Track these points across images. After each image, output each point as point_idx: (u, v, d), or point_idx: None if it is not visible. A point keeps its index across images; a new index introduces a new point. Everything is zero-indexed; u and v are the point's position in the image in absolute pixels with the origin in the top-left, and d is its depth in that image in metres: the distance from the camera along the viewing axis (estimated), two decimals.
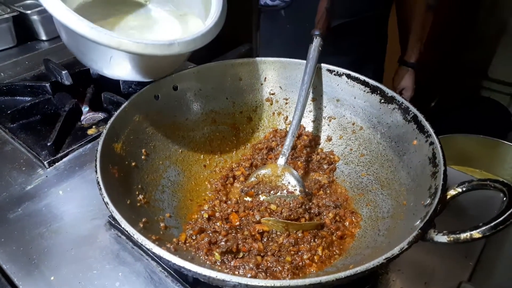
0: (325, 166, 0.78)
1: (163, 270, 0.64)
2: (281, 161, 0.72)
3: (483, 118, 2.03)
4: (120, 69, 0.72)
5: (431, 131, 0.61)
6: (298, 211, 0.64)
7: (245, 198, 0.70)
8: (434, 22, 1.84)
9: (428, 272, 0.63)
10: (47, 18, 1.31)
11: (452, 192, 0.52)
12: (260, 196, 0.69)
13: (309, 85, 0.75)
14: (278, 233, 0.62)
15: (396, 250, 0.44)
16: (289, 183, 0.70)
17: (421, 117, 0.64)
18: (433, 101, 2.23)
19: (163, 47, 0.62)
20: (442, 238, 0.46)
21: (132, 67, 0.71)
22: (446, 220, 0.53)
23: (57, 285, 0.61)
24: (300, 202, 0.66)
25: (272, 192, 0.69)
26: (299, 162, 0.79)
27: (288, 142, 0.72)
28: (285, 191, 0.69)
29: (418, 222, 0.49)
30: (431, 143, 0.60)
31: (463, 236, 0.45)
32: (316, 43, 0.78)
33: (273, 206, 0.65)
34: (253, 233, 0.61)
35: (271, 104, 0.86)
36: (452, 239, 0.46)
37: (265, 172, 0.72)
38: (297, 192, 0.69)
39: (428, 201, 0.53)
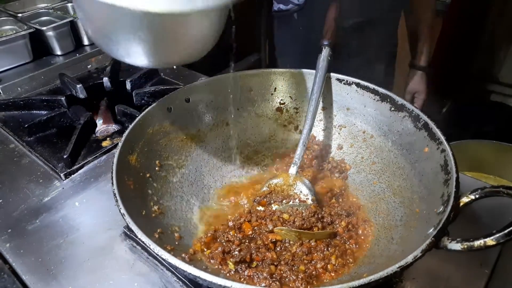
0: (337, 175, 0.78)
1: (178, 280, 0.64)
2: (293, 170, 0.72)
3: (495, 123, 2.00)
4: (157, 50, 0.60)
5: (442, 138, 0.61)
6: (310, 220, 0.65)
7: (257, 208, 0.70)
8: (445, 27, 1.84)
9: (443, 280, 0.62)
10: (62, 34, 1.35)
11: (465, 200, 0.52)
12: (272, 205, 0.70)
13: (318, 94, 0.76)
14: (291, 242, 0.62)
15: (409, 258, 0.45)
16: (301, 192, 0.70)
17: (432, 124, 0.64)
18: (444, 107, 2.22)
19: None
20: (455, 246, 0.46)
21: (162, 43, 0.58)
22: (460, 228, 0.53)
23: None
24: (313, 211, 0.66)
25: (284, 201, 0.70)
26: (310, 171, 0.79)
27: (299, 151, 0.73)
28: (297, 200, 0.70)
29: (431, 230, 0.49)
30: (443, 150, 0.60)
31: (477, 243, 0.45)
32: (325, 53, 0.79)
33: (285, 216, 0.66)
34: (266, 243, 0.61)
35: (282, 113, 0.87)
36: (466, 246, 0.45)
37: (277, 182, 0.72)
38: (309, 201, 0.69)
39: (441, 209, 0.53)
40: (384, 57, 1.31)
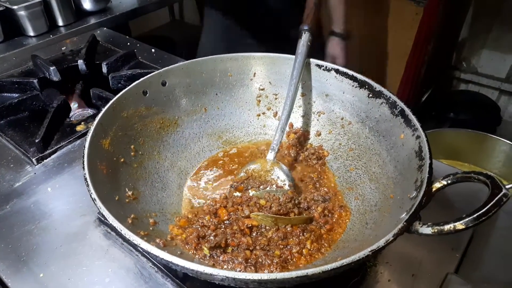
0: (315, 161, 0.78)
1: (153, 266, 0.64)
2: (270, 156, 0.72)
3: (472, 112, 2.05)
4: None
5: (417, 125, 0.62)
6: (287, 205, 0.65)
7: (234, 194, 0.70)
8: (424, 18, 1.85)
9: (415, 264, 0.64)
10: (34, 14, 1.30)
11: (437, 185, 0.53)
12: (249, 191, 0.69)
13: (298, 80, 0.75)
14: (267, 227, 0.62)
15: (381, 242, 0.45)
16: (278, 177, 0.70)
17: (408, 111, 0.65)
18: (423, 96, 2.25)
19: None
20: (426, 230, 0.47)
21: None
22: (433, 213, 0.54)
23: (46, 282, 0.61)
24: (289, 197, 0.66)
25: (261, 187, 0.70)
26: (288, 157, 0.79)
27: (278, 137, 0.72)
28: (274, 186, 0.69)
29: (404, 215, 0.50)
30: (418, 137, 0.60)
31: (446, 227, 0.46)
32: (305, 38, 0.78)
33: (262, 201, 0.66)
34: (242, 228, 0.61)
35: (261, 99, 0.86)
36: (436, 230, 0.46)
37: (255, 167, 0.72)
38: (286, 187, 0.69)
39: (414, 194, 0.53)
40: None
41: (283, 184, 0.70)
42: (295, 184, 0.72)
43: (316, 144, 0.82)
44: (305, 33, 0.79)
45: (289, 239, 0.61)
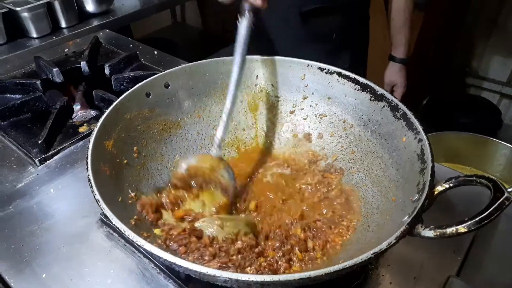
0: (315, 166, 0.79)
1: (155, 267, 0.64)
2: (215, 152, 0.70)
3: (473, 116, 2.05)
4: None
5: (419, 128, 0.62)
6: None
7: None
8: (425, 22, 1.86)
9: (417, 267, 0.64)
10: (38, 15, 1.30)
11: (439, 188, 0.53)
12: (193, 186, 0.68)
13: (240, 74, 0.72)
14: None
15: (383, 245, 0.45)
16: (223, 177, 0.69)
17: (410, 114, 0.65)
18: (424, 99, 2.26)
19: None
20: (428, 233, 0.47)
21: None
22: (435, 216, 0.54)
23: (49, 283, 0.62)
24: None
25: (204, 185, 0.68)
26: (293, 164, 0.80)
27: (221, 131, 0.70)
28: (218, 185, 0.68)
29: (406, 218, 0.50)
30: (420, 140, 0.61)
31: (449, 230, 0.46)
32: (247, 21, 0.71)
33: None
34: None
35: (264, 102, 0.86)
36: (438, 233, 0.46)
37: (198, 164, 0.70)
38: (231, 188, 0.68)
39: (416, 197, 0.53)
40: (351, 42, 1.25)
41: (228, 185, 0.68)
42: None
43: (319, 147, 0.81)
44: (248, 13, 0.70)
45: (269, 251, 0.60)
